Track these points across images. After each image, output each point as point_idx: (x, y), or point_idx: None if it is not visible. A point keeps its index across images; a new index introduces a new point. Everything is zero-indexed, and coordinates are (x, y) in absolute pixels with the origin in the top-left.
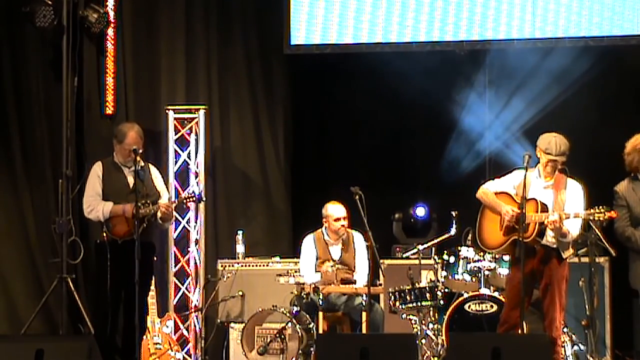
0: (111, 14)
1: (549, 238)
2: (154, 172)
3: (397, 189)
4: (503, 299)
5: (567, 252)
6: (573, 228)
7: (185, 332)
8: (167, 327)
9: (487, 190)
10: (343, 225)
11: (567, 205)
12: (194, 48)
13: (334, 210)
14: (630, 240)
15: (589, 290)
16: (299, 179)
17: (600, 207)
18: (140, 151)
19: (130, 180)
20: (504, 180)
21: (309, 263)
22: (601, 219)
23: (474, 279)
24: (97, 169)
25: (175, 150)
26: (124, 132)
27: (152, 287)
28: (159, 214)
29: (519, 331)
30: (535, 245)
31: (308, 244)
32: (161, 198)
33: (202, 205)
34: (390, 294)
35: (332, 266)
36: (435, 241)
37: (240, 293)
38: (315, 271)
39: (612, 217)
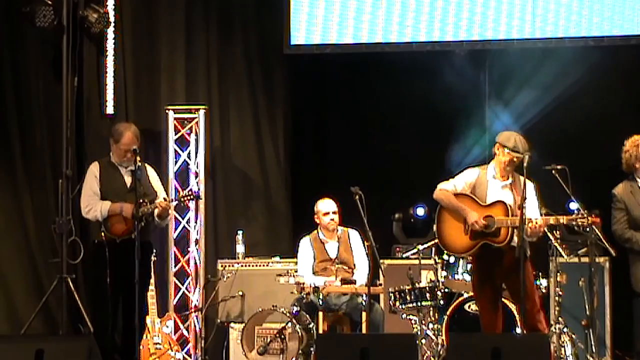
0: (111, 14)
1: (514, 238)
2: (151, 171)
3: (397, 189)
4: (503, 299)
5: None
6: (538, 216)
7: (185, 332)
8: (167, 327)
9: (446, 191)
10: (332, 220)
11: (526, 206)
12: (194, 48)
13: (323, 205)
14: (630, 241)
15: (589, 290)
16: (299, 179)
17: (583, 212)
18: (137, 150)
19: (127, 179)
20: (458, 179)
21: (307, 264)
22: (584, 224)
23: None
24: (93, 169)
25: (175, 150)
26: (120, 132)
27: (152, 287)
28: (156, 212)
29: (519, 331)
30: (505, 248)
31: (305, 245)
32: (158, 197)
33: (202, 205)
34: (390, 294)
35: (331, 272)
36: (435, 241)
37: (240, 293)
38: (314, 272)
39: (595, 222)
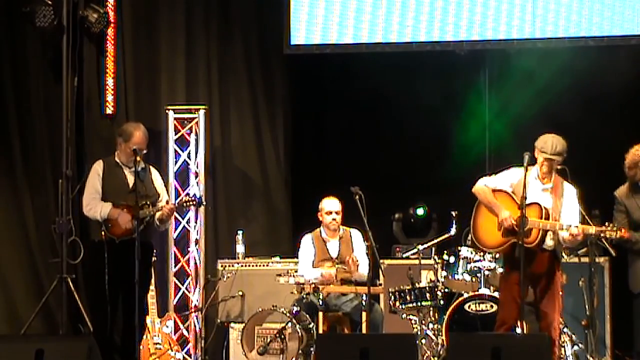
0: (111, 14)
1: (548, 241)
2: (154, 173)
3: (397, 189)
4: None
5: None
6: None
7: (185, 332)
8: (167, 327)
9: (485, 187)
10: (334, 219)
11: (563, 211)
12: (194, 48)
13: (327, 203)
14: (629, 241)
15: (589, 290)
16: (299, 179)
17: (613, 225)
18: (144, 152)
19: (130, 179)
20: (502, 177)
21: (307, 260)
22: (613, 237)
23: (474, 279)
24: (97, 168)
25: (175, 150)
26: (129, 132)
27: (152, 287)
28: (157, 215)
29: (519, 331)
30: (534, 249)
31: (306, 242)
32: (160, 200)
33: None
34: (390, 294)
35: (330, 266)
36: (435, 241)
37: (240, 293)
38: (313, 267)
39: (624, 236)
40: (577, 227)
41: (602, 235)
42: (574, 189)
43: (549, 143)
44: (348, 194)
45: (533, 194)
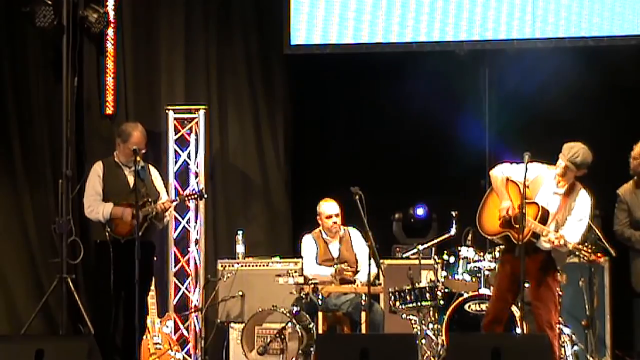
0: (111, 14)
1: (543, 243)
2: (154, 172)
3: (397, 189)
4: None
5: (562, 262)
6: (572, 236)
7: (185, 332)
8: (167, 327)
9: (502, 175)
10: (335, 222)
11: (570, 217)
12: (194, 48)
13: (326, 207)
14: (630, 240)
15: (589, 290)
16: (299, 179)
17: (590, 247)
18: (143, 151)
19: (131, 179)
20: (520, 169)
21: (312, 258)
22: (586, 258)
23: (474, 279)
24: (97, 169)
25: (175, 151)
26: (128, 132)
27: (152, 287)
28: (153, 213)
29: (519, 331)
30: (522, 246)
31: (308, 241)
32: (160, 198)
33: (202, 205)
34: (390, 294)
35: (338, 264)
36: (435, 241)
37: (240, 293)
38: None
39: (597, 261)
40: (556, 236)
41: (576, 253)
42: (588, 197)
43: (573, 150)
44: (348, 194)
45: (543, 193)
